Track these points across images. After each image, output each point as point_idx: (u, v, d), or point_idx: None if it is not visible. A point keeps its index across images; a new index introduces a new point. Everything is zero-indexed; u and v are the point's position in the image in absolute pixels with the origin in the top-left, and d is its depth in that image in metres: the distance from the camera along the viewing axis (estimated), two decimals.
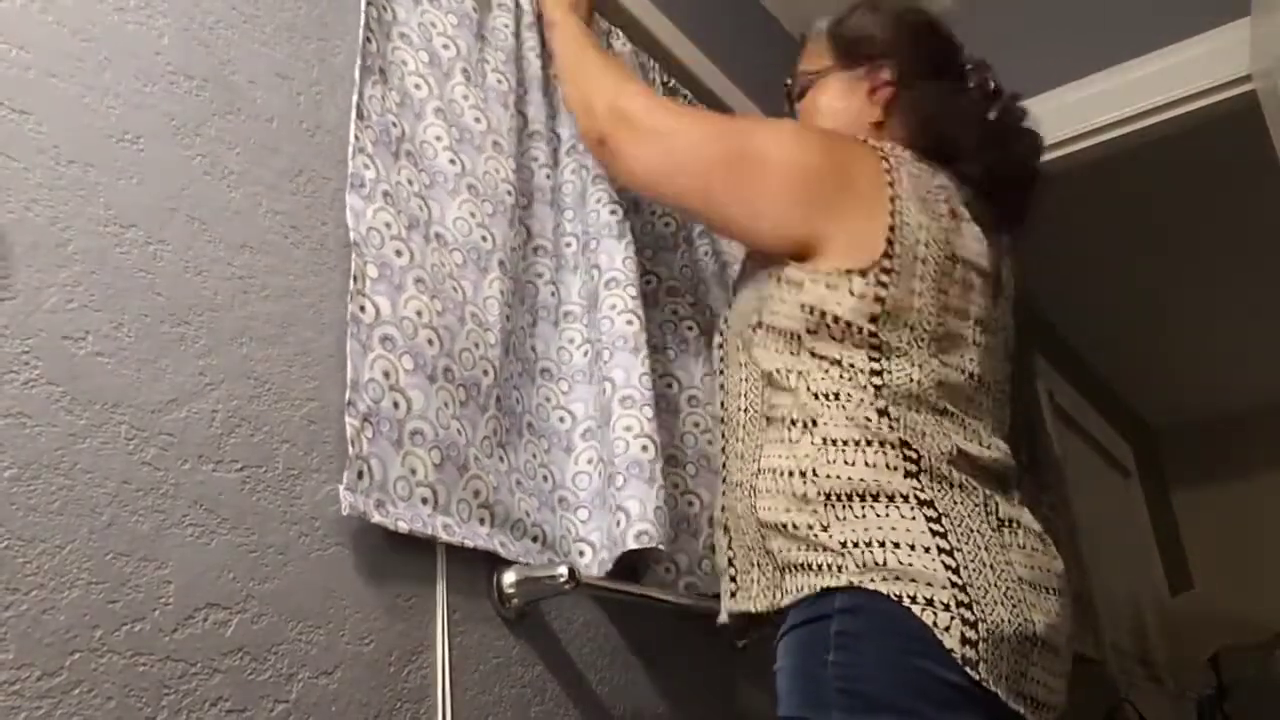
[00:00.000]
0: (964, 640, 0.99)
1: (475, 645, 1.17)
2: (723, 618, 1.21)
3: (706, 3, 2.11)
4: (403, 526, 1.08)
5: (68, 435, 0.87)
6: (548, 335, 1.41)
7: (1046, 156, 2.17)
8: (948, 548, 1.04)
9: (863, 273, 1.15)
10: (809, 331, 1.16)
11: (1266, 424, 4.82)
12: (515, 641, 1.22)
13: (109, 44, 1.00)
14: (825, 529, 1.07)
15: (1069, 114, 2.19)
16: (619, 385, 1.35)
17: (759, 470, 1.16)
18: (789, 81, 1.43)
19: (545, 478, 1.31)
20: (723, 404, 1.26)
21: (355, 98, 1.22)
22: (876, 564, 1.03)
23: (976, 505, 1.09)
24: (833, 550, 1.06)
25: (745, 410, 1.21)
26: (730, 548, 1.20)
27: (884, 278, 1.15)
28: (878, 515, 1.06)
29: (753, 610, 1.14)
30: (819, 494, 1.09)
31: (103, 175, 0.96)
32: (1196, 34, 2.12)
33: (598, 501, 1.33)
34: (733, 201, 1.24)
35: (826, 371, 1.15)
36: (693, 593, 1.42)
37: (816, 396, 1.14)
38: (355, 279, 1.14)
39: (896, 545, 1.04)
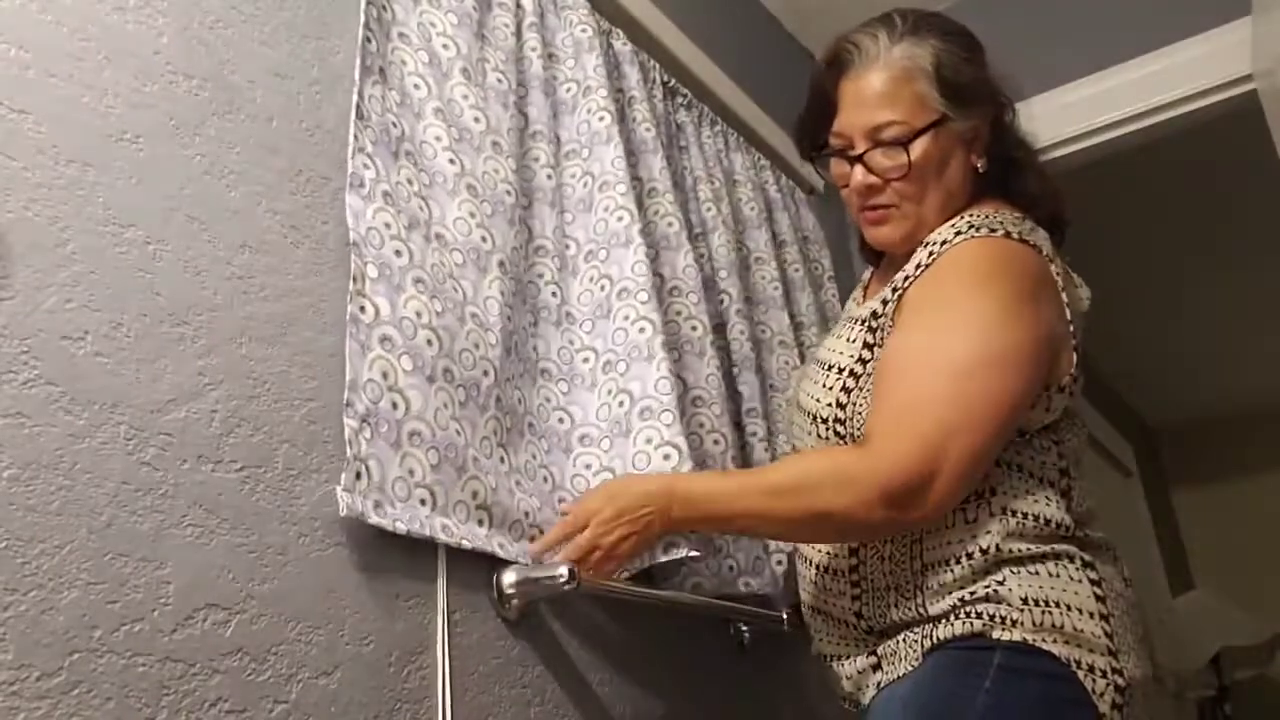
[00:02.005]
0: (1114, 705, 1.04)
1: (475, 645, 1.16)
2: (871, 695, 1.18)
3: (707, 2, 2.10)
4: (400, 527, 1.08)
5: (67, 435, 0.86)
6: (549, 336, 1.40)
7: (1048, 157, 2.19)
8: (1106, 613, 1.08)
9: (1061, 388, 1.14)
10: None
11: (1266, 424, 4.82)
12: (515, 642, 1.21)
13: (108, 43, 1.00)
14: (1002, 583, 1.08)
15: (1069, 114, 2.19)
16: (637, 397, 1.34)
17: (924, 567, 1.12)
18: (881, 129, 1.20)
19: (545, 478, 1.31)
20: None
21: (355, 97, 1.22)
22: (1054, 626, 1.06)
23: (1116, 567, 1.15)
24: (1011, 605, 1.07)
25: None
26: (881, 642, 1.17)
27: (1074, 387, 1.15)
28: (1050, 574, 1.09)
29: (903, 672, 1.13)
30: (996, 561, 1.10)
31: (102, 175, 0.96)
32: (1196, 34, 2.12)
33: None
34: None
35: (1011, 443, 1.13)
36: (695, 593, 1.42)
37: (998, 464, 1.12)
38: (355, 279, 1.14)
39: (1069, 608, 1.07)
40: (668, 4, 1.88)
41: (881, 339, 1.16)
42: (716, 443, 1.50)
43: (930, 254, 1.16)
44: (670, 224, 1.59)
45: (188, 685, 0.89)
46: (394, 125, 1.27)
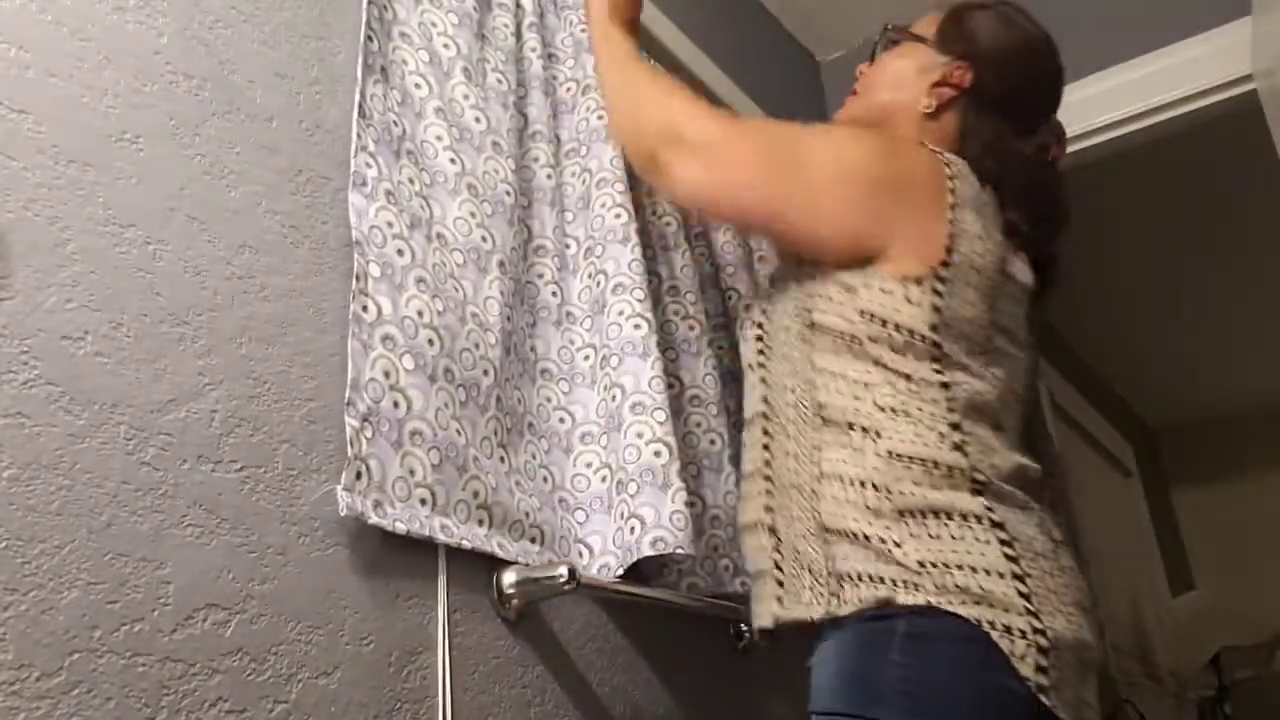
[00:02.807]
0: (1038, 668, 1.01)
1: (475, 645, 1.16)
2: (765, 623, 1.16)
3: (707, 2, 2.10)
4: (400, 527, 1.08)
5: (67, 435, 0.86)
6: (549, 336, 1.40)
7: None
8: (1021, 573, 1.04)
9: (918, 280, 1.14)
10: (871, 339, 1.14)
11: (1266, 424, 4.82)
12: (515, 642, 1.21)
13: (108, 43, 1.00)
14: (899, 545, 1.06)
15: (1069, 114, 2.16)
16: (629, 391, 1.34)
17: (822, 475, 1.12)
18: (887, 28, 1.38)
19: (545, 478, 1.31)
20: (765, 398, 1.22)
21: (357, 96, 1.22)
22: (957, 587, 1.03)
23: (1039, 527, 1.11)
24: (908, 568, 1.05)
25: (795, 406, 1.18)
26: (778, 550, 1.16)
27: (939, 286, 1.14)
28: (953, 537, 1.06)
29: (807, 619, 1.11)
30: (893, 509, 1.07)
31: (102, 175, 0.96)
32: (1196, 34, 2.11)
33: (597, 505, 1.33)
34: (791, 212, 1.20)
35: (894, 385, 1.12)
36: (694, 593, 1.42)
37: (882, 409, 1.11)
38: (357, 278, 1.14)
39: (974, 569, 1.04)
40: (668, 4, 1.88)
41: None
42: (713, 442, 1.50)
43: None
44: (668, 223, 1.59)
45: (188, 685, 0.89)
46: (395, 124, 1.27)
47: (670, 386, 1.50)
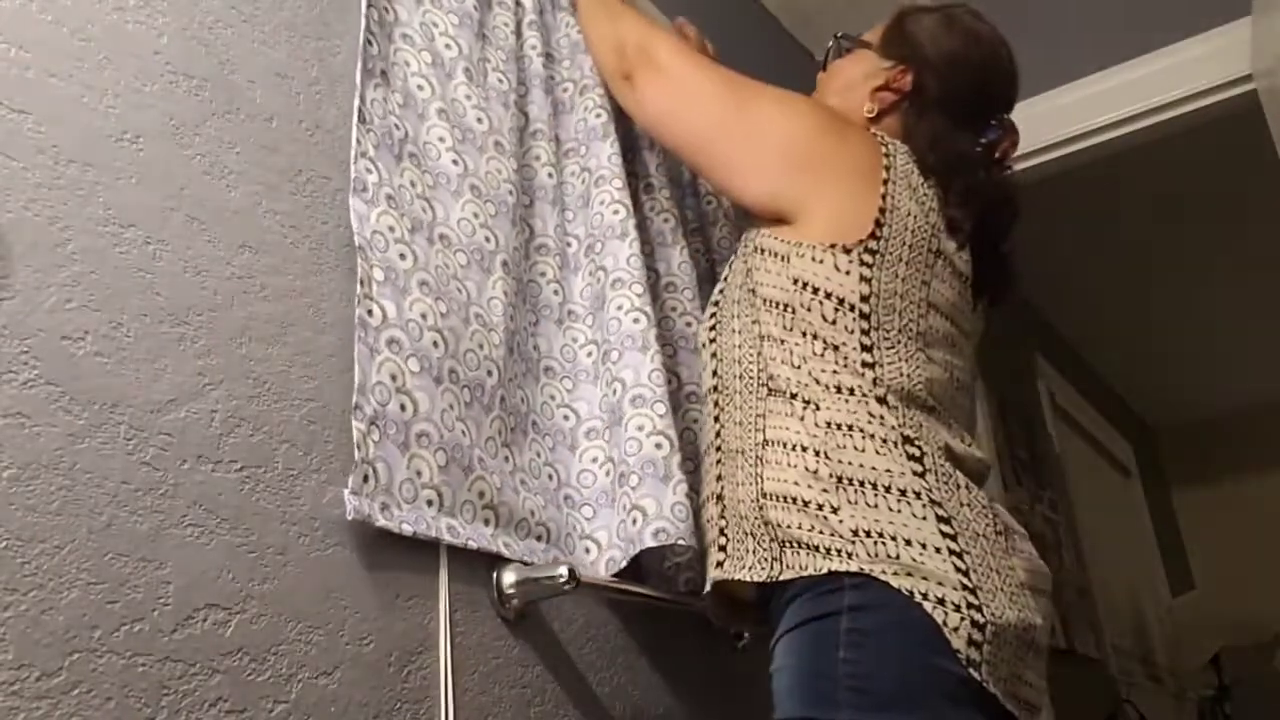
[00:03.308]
0: (970, 642, 1.01)
1: (475, 645, 1.16)
2: (707, 586, 1.21)
3: (706, 1, 2.10)
4: (408, 529, 1.08)
5: (67, 435, 0.86)
6: (551, 334, 1.41)
7: (1048, 157, 2.20)
8: (958, 550, 1.05)
9: (847, 250, 1.17)
10: (804, 307, 1.17)
11: (1266, 424, 4.82)
12: (515, 641, 1.21)
13: (108, 43, 1.00)
14: (835, 511, 1.07)
15: (1069, 114, 2.19)
16: (629, 385, 1.35)
17: (765, 440, 1.16)
18: (837, 35, 1.44)
19: (550, 476, 1.31)
20: (715, 371, 1.27)
21: (356, 101, 1.22)
22: (889, 557, 1.04)
23: (981, 509, 1.11)
24: (843, 536, 1.06)
25: (741, 377, 1.22)
26: (723, 517, 1.20)
27: (868, 258, 1.17)
28: (890, 509, 1.07)
29: (746, 579, 1.13)
30: (830, 475, 1.09)
31: (102, 175, 0.96)
32: (1196, 34, 2.12)
33: (603, 499, 1.33)
34: (728, 154, 1.29)
35: (823, 357, 1.16)
36: (689, 589, 1.42)
37: (818, 382, 1.15)
38: (361, 283, 1.14)
39: (908, 542, 1.05)
40: (666, 3, 1.88)
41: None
42: None
43: None
44: (666, 220, 1.59)
45: (188, 685, 0.89)
46: (397, 127, 1.27)
47: (668, 382, 1.50)
